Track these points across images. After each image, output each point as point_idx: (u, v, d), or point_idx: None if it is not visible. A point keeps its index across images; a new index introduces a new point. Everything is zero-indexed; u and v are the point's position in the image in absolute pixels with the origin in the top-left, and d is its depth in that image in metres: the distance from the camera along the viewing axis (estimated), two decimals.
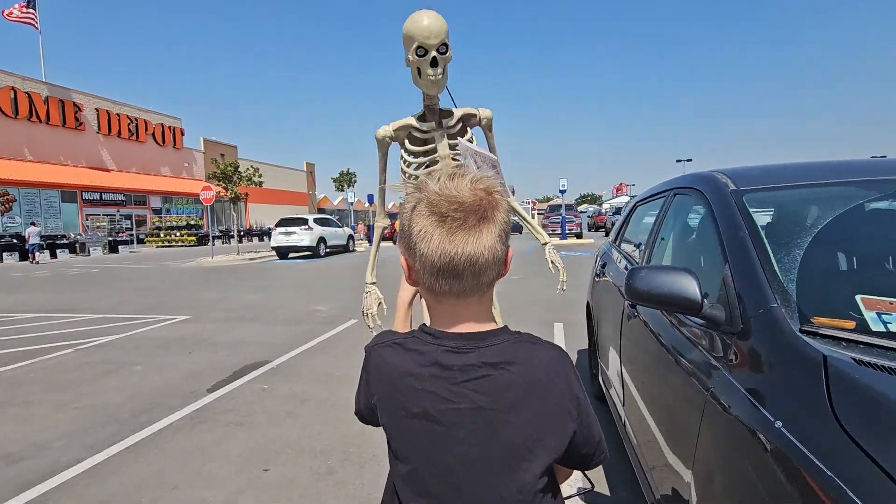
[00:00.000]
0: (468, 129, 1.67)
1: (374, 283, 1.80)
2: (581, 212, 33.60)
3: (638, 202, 3.06)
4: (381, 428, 0.73)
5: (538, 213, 47.19)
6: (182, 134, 36.80)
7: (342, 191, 33.37)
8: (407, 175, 1.56)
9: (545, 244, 1.99)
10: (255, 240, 34.95)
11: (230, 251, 19.82)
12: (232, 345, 5.38)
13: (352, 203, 25.18)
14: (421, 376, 0.67)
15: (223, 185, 18.53)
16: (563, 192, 22.77)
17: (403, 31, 1.25)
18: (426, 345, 0.69)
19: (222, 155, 38.73)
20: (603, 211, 36.75)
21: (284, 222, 17.66)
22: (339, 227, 20.23)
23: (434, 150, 1.53)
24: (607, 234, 26.74)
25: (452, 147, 1.56)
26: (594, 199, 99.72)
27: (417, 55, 1.23)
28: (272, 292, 9.41)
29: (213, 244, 20.57)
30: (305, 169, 54.20)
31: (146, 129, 32.98)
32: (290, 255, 18.62)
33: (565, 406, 0.67)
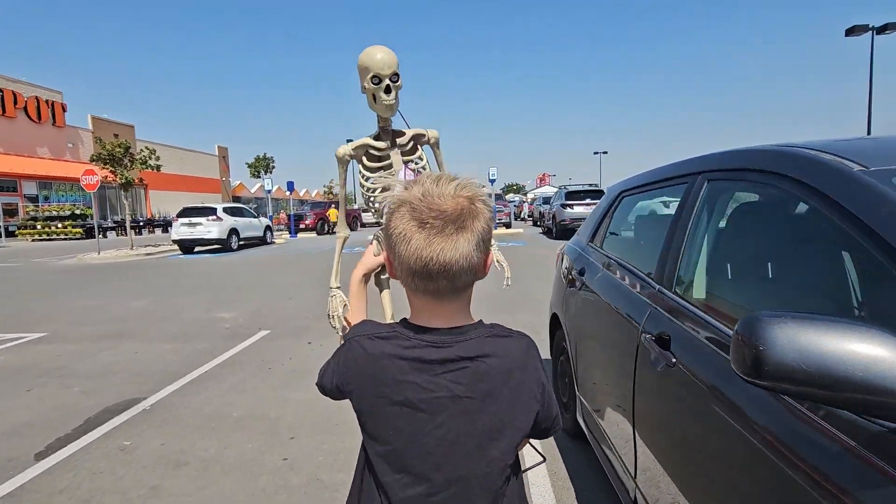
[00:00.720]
0: (419, 146, 1.80)
1: (338, 287, 1.88)
2: (510, 201, 33.85)
3: (625, 191, 2.41)
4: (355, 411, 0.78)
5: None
6: (64, 110, 31.90)
7: (258, 177, 30.73)
8: (365, 189, 1.64)
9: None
10: (159, 231, 31.31)
11: (124, 245, 17.20)
12: (94, 375, 4.12)
13: (269, 191, 23.11)
14: (403, 369, 0.72)
15: (111, 168, 15.94)
16: (492, 181, 22.49)
17: (359, 63, 1.43)
18: (408, 339, 0.74)
19: (116, 135, 34.15)
20: (529, 201, 37.38)
21: (188, 212, 15.58)
22: (255, 216, 18.37)
23: (389, 166, 1.64)
24: (535, 224, 26.44)
25: (406, 163, 1.68)
26: (519, 189, 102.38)
27: (373, 83, 1.43)
28: (166, 296, 7.93)
29: (103, 237, 17.79)
30: (217, 153, 49.72)
31: (15, 103, 28.08)
32: (197, 249, 16.57)
33: (533, 392, 0.75)
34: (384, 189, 0.84)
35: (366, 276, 1.12)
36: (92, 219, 28.19)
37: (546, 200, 23.34)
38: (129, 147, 16.34)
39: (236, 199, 51.59)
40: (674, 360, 1.31)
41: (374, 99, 1.45)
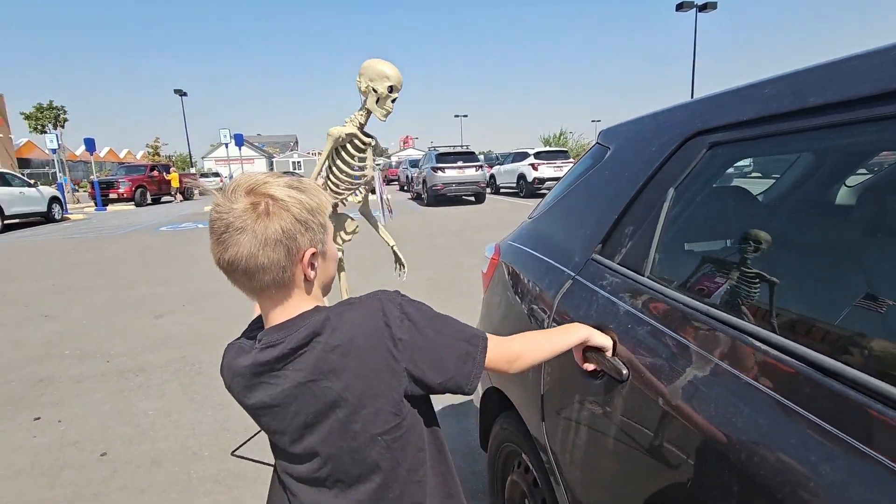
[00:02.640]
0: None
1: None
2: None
3: (714, 135, 0.94)
4: None
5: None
6: None
7: (42, 132, 23.67)
8: (340, 173, 1.65)
9: (392, 246, 2.09)
10: None
11: None
12: None
13: (55, 150, 17.53)
14: (245, 375, 0.75)
15: None
16: None
17: (377, 69, 1.52)
18: (250, 347, 0.75)
19: None
20: (394, 164, 35.49)
21: None
22: (30, 184, 13.60)
23: (366, 158, 1.74)
24: (403, 189, 25.18)
25: (373, 158, 1.85)
26: (382, 152, 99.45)
27: (388, 91, 1.55)
28: None
29: None
30: None
31: None
32: None
33: (385, 354, 0.72)
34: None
35: None
36: None
37: (414, 164, 21.92)
38: None
39: (23, 161, 40.11)
40: None
41: (378, 102, 1.55)
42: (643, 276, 0.98)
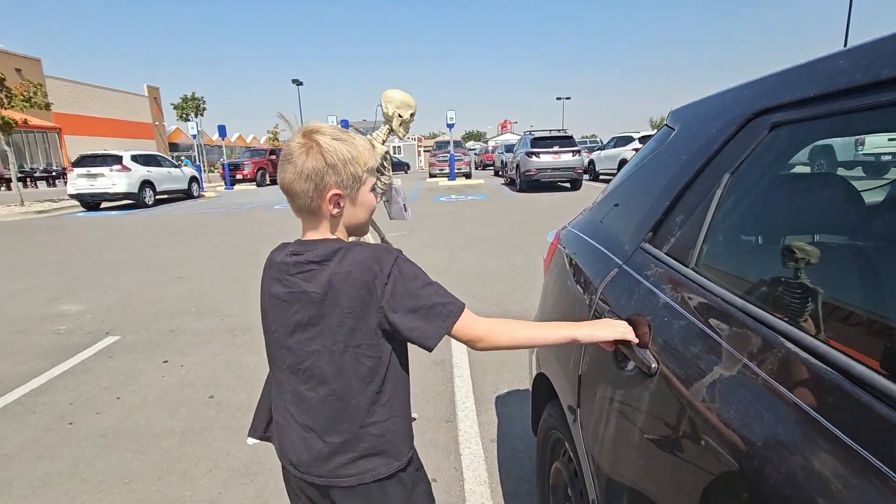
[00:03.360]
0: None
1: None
2: (469, 149, 31.92)
3: (777, 114, 0.85)
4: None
5: (424, 151, 44.55)
6: None
7: (186, 120, 27.18)
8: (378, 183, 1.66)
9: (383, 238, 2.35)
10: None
11: (28, 199, 14.27)
12: None
13: (195, 136, 20.14)
14: (275, 269, 0.96)
15: None
16: (451, 126, 20.44)
17: (402, 98, 1.86)
18: (284, 249, 0.96)
19: (18, 70, 29.10)
20: (490, 148, 35.34)
21: (87, 161, 12.98)
22: (176, 165, 15.82)
23: (388, 168, 2.02)
24: (497, 174, 24.92)
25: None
26: (479, 137, 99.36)
27: (410, 116, 1.89)
28: (9, 276, 5.98)
29: (6, 188, 14.84)
30: (147, 94, 44.43)
31: None
32: (105, 204, 14.06)
33: (370, 289, 0.87)
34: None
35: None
36: None
37: (509, 148, 21.65)
38: (4, 79, 13.20)
39: (173, 146, 46.71)
40: None
41: (401, 125, 1.85)
42: (687, 267, 0.92)
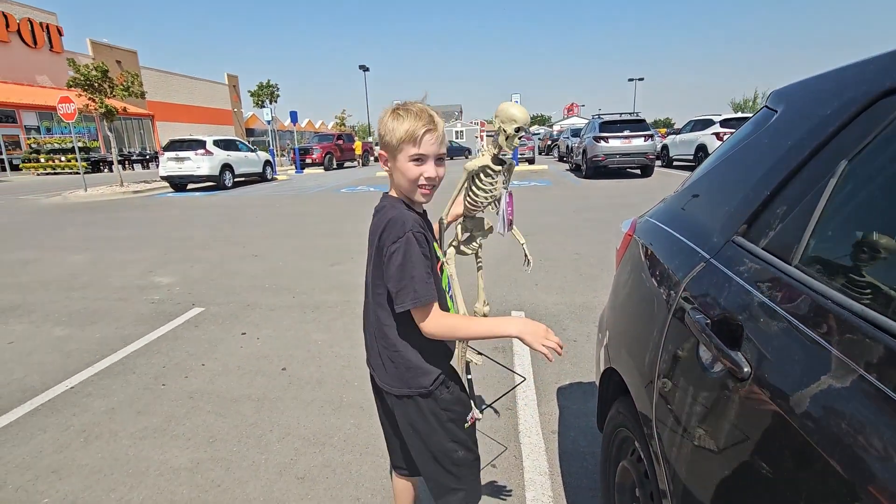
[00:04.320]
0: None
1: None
2: (534, 134, 31.15)
3: None
4: None
5: (487, 135, 44.05)
6: (60, 34, 29.81)
7: (262, 107, 28.65)
8: (479, 193, 1.93)
9: (522, 243, 2.37)
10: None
11: (126, 180, 15.85)
12: None
13: (269, 121, 21.19)
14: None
15: (90, 95, 14.35)
16: None
17: (509, 113, 1.77)
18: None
19: (119, 62, 32.03)
20: (555, 134, 34.23)
21: (175, 146, 14.09)
22: (252, 150, 16.78)
23: (496, 183, 1.96)
24: (561, 160, 24.11)
25: (504, 184, 2.02)
26: (544, 121, 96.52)
27: (515, 131, 1.79)
28: (113, 248, 6.65)
29: (108, 171, 16.51)
30: (227, 82, 47.30)
31: (7, 26, 26.16)
32: (190, 186, 15.26)
33: (380, 247, 1.15)
34: None
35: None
36: (98, 151, 27.13)
37: (575, 133, 20.90)
38: (108, 70, 14.57)
39: (249, 131, 49.56)
40: None
41: (507, 140, 1.79)
42: (790, 264, 0.84)
